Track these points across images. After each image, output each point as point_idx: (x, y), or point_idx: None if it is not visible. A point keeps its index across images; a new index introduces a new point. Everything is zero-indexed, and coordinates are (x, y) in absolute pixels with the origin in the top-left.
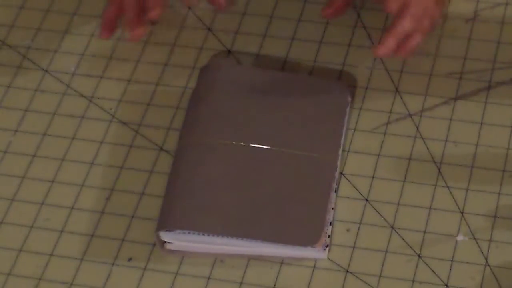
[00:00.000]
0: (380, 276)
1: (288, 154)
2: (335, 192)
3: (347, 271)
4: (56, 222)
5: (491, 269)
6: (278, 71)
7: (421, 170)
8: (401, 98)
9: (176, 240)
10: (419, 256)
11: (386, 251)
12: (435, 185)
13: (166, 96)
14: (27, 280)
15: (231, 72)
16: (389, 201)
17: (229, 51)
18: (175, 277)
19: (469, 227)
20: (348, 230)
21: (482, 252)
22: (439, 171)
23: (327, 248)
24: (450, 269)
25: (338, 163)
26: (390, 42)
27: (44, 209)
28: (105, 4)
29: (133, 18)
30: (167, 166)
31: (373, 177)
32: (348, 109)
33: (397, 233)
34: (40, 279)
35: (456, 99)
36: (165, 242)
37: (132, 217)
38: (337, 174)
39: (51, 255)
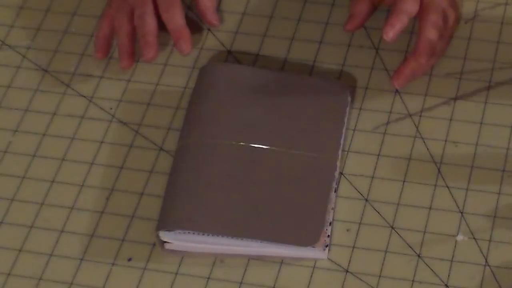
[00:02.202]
0: (380, 276)
1: (288, 154)
2: (335, 192)
3: (347, 271)
4: (56, 222)
5: (491, 269)
6: (278, 71)
7: (421, 170)
8: (401, 98)
9: (176, 240)
10: (419, 256)
11: (386, 251)
12: (435, 185)
13: (166, 96)
14: (27, 280)
15: (231, 72)
16: (389, 201)
17: (229, 51)
18: (175, 277)
19: (469, 227)
20: (348, 230)
21: (482, 252)
22: (439, 171)
23: (327, 248)
24: (450, 269)
25: (338, 163)
26: (407, 72)
27: (44, 209)
28: (98, 20)
29: (124, 45)
30: (167, 166)
31: (373, 177)
32: (348, 109)
33: (397, 233)
34: (40, 279)
35: (456, 99)
36: (165, 242)
37: (132, 217)
38: (337, 174)
39: (51, 255)
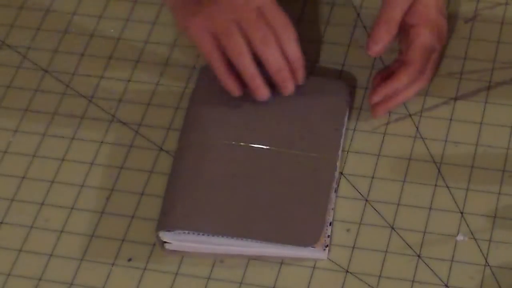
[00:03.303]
0: (380, 276)
1: (288, 154)
2: (335, 192)
3: (347, 271)
4: (56, 222)
5: (490, 269)
6: None
7: (421, 170)
8: None
9: (176, 240)
10: (419, 256)
11: (386, 251)
12: (435, 185)
13: (166, 96)
14: (27, 280)
15: None
16: (389, 201)
17: None
18: (175, 277)
19: (469, 227)
20: (348, 230)
21: (482, 252)
22: (439, 171)
23: (327, 248)
24: (450, 269)
25: (338, 163)
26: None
27: (44, 209)
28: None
29: (225, 72)
30: (167, 166)
31: (373, 177)
32: (348, 109)
33: (397, 233)
34: (40, 279)
35: (456, 99)
36: (165, 242)
37: (132, 217)
38: (337, 174)
39: (51, 255)
